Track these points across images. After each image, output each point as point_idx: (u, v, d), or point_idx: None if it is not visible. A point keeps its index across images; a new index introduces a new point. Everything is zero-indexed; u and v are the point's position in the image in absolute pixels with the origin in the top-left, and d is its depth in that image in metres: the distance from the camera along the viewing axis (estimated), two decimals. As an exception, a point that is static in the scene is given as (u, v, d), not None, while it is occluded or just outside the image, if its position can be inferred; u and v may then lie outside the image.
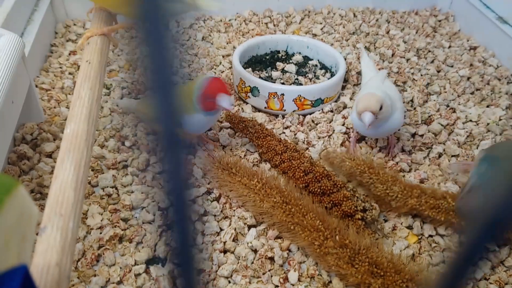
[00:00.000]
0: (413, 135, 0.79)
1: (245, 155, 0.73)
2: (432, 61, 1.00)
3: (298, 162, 0.66)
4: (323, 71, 0.91)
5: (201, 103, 0.63)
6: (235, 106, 0.84)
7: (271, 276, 0.57)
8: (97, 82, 0.43)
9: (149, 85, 0.13)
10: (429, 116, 0.83)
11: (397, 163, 0.73)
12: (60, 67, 0.90)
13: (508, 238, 0.60)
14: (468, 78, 0.94)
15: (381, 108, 0.63)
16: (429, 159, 0.75)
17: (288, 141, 0.71)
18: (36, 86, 0.81)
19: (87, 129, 0.39)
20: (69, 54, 0.95)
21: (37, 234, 0.31)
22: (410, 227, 0.64)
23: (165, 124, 0.14)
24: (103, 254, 0.57)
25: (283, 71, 0.91)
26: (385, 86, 0.71)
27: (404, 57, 1.00)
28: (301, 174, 0.64)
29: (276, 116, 0.83)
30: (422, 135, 0.78)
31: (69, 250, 0.29)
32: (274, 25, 1.09)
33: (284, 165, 0.67)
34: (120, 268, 0.56)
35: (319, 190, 0.62)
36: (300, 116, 0.82)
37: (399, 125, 0.69)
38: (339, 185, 0.62)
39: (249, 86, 0.81)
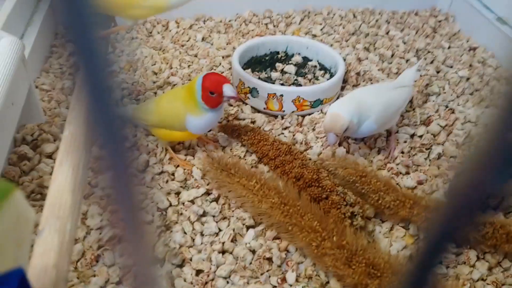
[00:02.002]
0: (412, 136, 0.79)
1: (244, 156, 0.74)
2: (432, 62, 1.00)
3: (290, 166, 0.66)
4: (322, 72, 0.91)
5: (206, 100, 0.64)
6: (234, 106, 0.84)
7: (269, 276, 0.57)
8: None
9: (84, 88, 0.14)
10: (428, 117, 0.83)
11: (397, 164, 0.74)
12: (60, 68, 0.91)
13: (476, 239, 0.59)
14: (468, 79, 0.94)
15: (346, 129, 0.65)
16: (429, 160, 0.75)
17: (282, 143, 0.71)
18: (37, 87, 0.82)
19: (86, 131, 0.40)
20: (70, 54, 0.95)
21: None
22: (407, 227, 0.64)
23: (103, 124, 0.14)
24: (103, 254, 0.58)
25: (283, 72, 0.91)
26: (382, 94, 0.71)
27: (403, 58, 1.00)
28: (293, 180, 0.65)
29: (276, 116, 0.83)
30: (421, 136, 0.79)
31: (67, 252, 0.30)
32: (274, 26, 1.09)
33: (278, 170, 0.68)
34: (120, 268, 0.57)
35: (309, 197, 0.62)
36: (299, 117, 0.82)
37: (370, 132, 0.70)
38: (328, 189, 0.62)
39: (248, 87, 0.82)
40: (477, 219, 0.15)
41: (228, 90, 0.63)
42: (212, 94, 0.63)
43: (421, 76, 0.94)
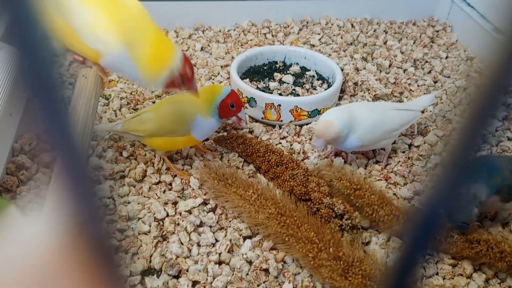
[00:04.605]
0: (410, 146, 0.80)
1: (242, 166, 0.74)
2: (429, 72, 1.00)
3: (282, 179, 0.67)
4: (320, 81, 0.91)
5: (222, 107, 0.67)
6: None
7: (266, 287, 0.57)
8: (93, 97, 0.44)
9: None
10: (425, 127, 0.83)
11: (395, 173, 0.74)
12: (59, 77, 0.91)
13: (470, 257, 0.59)
14: (465, 89, 0.94)
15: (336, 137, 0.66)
16: (426, 169, 0.75)
17: (273, 152, 0.71)
18: (36, 96, 0.82)
19: (82, 142, 0.40)
20: (69, 64, 0.95)
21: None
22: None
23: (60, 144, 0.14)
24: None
25: (281, 81, 0.91)
26: (376, 112, 0.71)
27: (401, 68, 1.00)
28: (288, 193, 0.65)
29: (273, 126, 0.83)
30: (418, 146, 0.79)
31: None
32: (273, 36, 1.10)
33: (274, 182, 0.69)
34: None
35: (306, 207, 0.62)
36: (297, 126, 0.82)
37: (354, 147, 0.70)
38: (317, 202, 0.63)
39: (246, 96, 0.82)
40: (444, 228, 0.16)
41: (244, 112, 0.70)
42: (232, 107, 0.68)
43: (418, 86, 0.95)
